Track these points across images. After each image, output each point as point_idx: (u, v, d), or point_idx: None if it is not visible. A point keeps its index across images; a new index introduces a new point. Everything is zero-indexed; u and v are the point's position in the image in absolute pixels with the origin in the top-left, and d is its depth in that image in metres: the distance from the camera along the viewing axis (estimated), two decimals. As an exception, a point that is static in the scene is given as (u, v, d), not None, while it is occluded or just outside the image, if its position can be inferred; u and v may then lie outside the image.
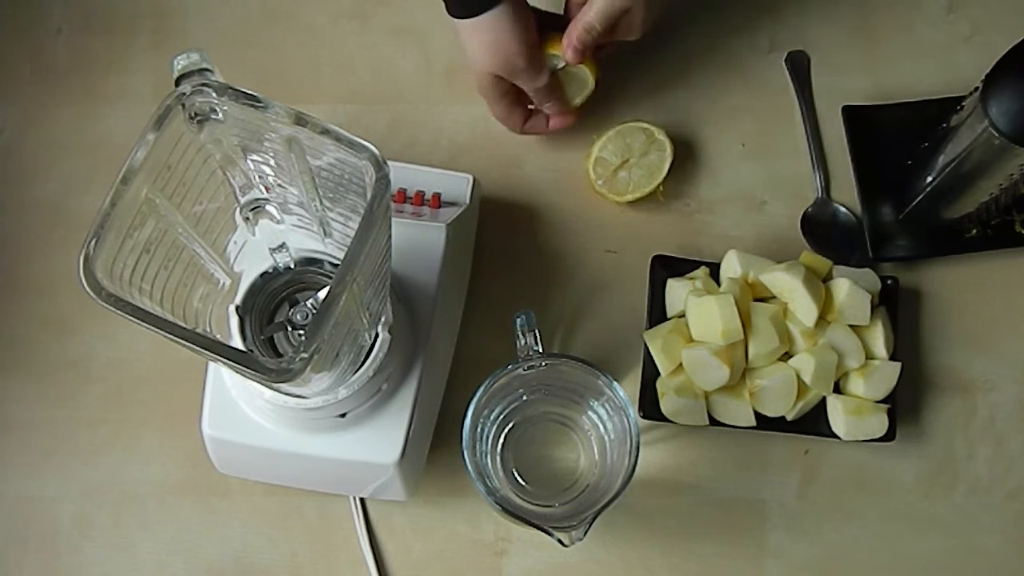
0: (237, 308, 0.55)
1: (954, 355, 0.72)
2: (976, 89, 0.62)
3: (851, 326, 0.67)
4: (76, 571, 0.69)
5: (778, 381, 0.66)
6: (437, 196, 0.68)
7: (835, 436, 0.68)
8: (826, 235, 0.74)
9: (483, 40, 0.65)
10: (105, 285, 0.41)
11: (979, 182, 0.66)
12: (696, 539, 0.69)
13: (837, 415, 0.67)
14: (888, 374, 0.67)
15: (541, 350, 0.61)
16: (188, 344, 0.42)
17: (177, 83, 0.44)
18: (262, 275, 0.57)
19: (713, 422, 0.68)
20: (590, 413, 0.65)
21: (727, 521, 0.69)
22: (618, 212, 0.74)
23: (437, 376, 0.67)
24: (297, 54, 0.78)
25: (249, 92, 0.44)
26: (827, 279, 0.69)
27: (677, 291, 0.70)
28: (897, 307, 0.70)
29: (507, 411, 0.65)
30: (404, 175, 0.69)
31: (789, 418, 0.68)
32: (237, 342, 0.55)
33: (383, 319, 0.57)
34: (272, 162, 0.48)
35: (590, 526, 0.55)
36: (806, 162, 0.75)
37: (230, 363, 0.42)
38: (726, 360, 0.65)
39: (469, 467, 0.57)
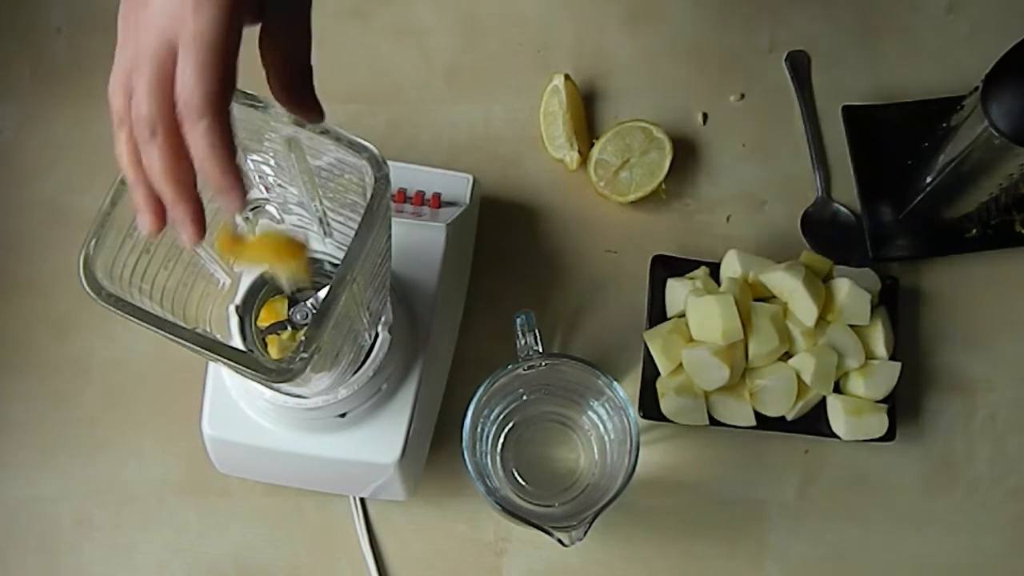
0: (237, 308, 0.55)
1: (954, 355, 0.72)
2: (976, 89, 0.62)
3: (851, 326, 0.67)
4: (76, 571, 0.69)
5: (778, 381, 0.66)
6: (437, 196, 0.68)
7: (835, 436, 0.68)
8: (826, 235, 0.74)
9: None
10: (105, 285, 0.41)
11: (979, 182, 0.66)
12: (696, 539, 0.69)
13: (837, 415, 0.67)
14: (888, 374, 0.67)
15: (541, 350, 0.61)
16: (188, 344, 0.42)
17: (177, 83, 0.44)
18: (262, 275, 0.57)
19: (713, 422, 0.68)
20: (590, 413, 0.65)
21: (727, 521, 0.69)
22: (618, 212, 0.74)
23: (437, 376, 0.67)
24: (297, 54, 0.78)
25: (249, 92, 0.44)
26: (827, 279, 0.69)
27: (677, 291, 0.70)
28: (897, 307, 0.70)
29: (507, 411, 0.65)
30: (404, 175, 0.69)
31: (789, 418, 0.68)
32: (237, 342, 0.55)
33: (383, 319, 0.57)
34: (272, 162, 0.48)
35: (590, 526, 0.55)
36: (806, 162, 0.75)
37: (230, 363, 0.42)
38: (726, 360, 0.65)
39: (469, 467, 0.57)
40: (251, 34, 0.83)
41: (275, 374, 0.42)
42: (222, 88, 0.36)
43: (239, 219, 0.52)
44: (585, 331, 0.72)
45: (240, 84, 0.44)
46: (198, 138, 0.36)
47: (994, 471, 0.70)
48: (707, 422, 0.67)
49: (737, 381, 0.67)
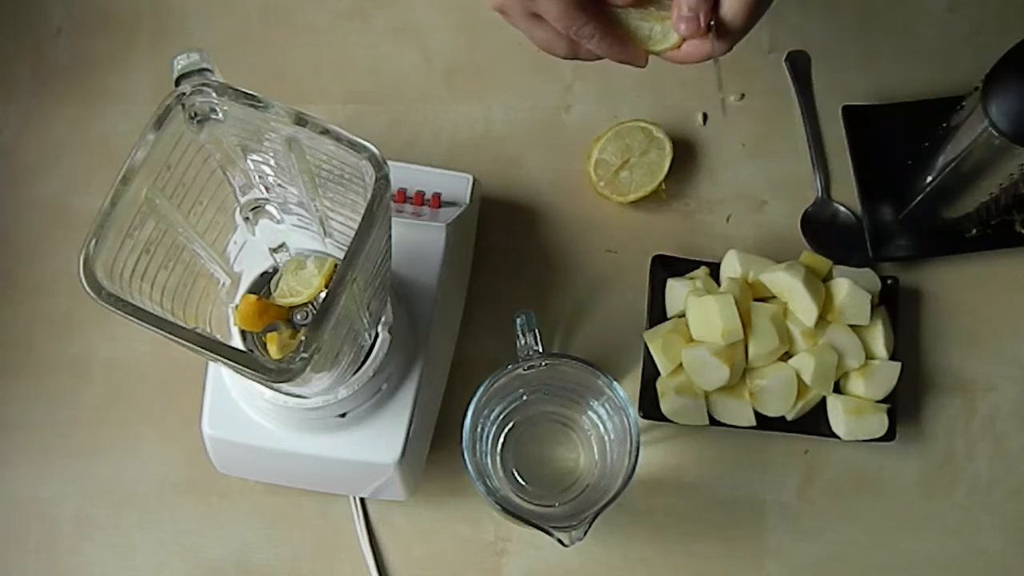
0: (237, 308, 0.55)
1: (954, 355, 0.72)
2: (976, 89, 0.62)
3: (851, 326, 0.67)
4: (76, 571, 0.69)
5: (778, 381, 0.66)
6: (437, 196, 0.68)
7: (835, 436, 0.68)
8: (826, 235, 0.74)
9: None
10: (105, 285, 0.41)
11: (979, 182, 0.66)
12: (696, 539, 0.69)
13: (837, 415, 0.67)
14: (888, 374, 0.67)
15: (541, 350, 0.61)
16: (188, 344, 0.42)
17: (177, 83, 0.44)
18: (262, 275, 0.57)
19: (713, 422, 0.68)
20: (590, 413, 0.65)
21: (727, 521, 0.69)
22: (618, 212, 0.74)
23: (437, 376, 0.67)
24: (297, 54, 0.78)
25: (249, 92, 0.44)
26: (827, 279, 0.69)
27: (677, 291, 0.70)
28: (897, 307, 0.70)
29: (507, 411, 0.65)
30: (404, 175, 0.69)
31: (789, 418, 0.68)
32: (237, 342, 0.55)
33: (383, 319, 0.57)
34: (272, 162, 0.48)
35: (590, 526, 0.55)
36: (806, 162, 0.75)
37: (230, 363, 0.42)
38: (726, 360, 0.65)
39: (469, 467, 0.57)
40: (250, 36, 0.83)
41: (275, 374, 0.42)
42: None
43: (240, 219, 0.52)
44: (585, 331, 0.72)
45: (240, 84, 0.44)
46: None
47: (994, 471, 0.70)
48: (707, 422, 0.67)
49: (737, 381, 0.67)
